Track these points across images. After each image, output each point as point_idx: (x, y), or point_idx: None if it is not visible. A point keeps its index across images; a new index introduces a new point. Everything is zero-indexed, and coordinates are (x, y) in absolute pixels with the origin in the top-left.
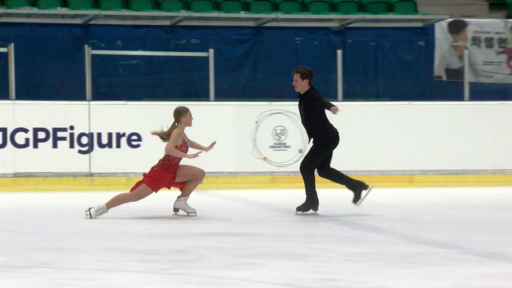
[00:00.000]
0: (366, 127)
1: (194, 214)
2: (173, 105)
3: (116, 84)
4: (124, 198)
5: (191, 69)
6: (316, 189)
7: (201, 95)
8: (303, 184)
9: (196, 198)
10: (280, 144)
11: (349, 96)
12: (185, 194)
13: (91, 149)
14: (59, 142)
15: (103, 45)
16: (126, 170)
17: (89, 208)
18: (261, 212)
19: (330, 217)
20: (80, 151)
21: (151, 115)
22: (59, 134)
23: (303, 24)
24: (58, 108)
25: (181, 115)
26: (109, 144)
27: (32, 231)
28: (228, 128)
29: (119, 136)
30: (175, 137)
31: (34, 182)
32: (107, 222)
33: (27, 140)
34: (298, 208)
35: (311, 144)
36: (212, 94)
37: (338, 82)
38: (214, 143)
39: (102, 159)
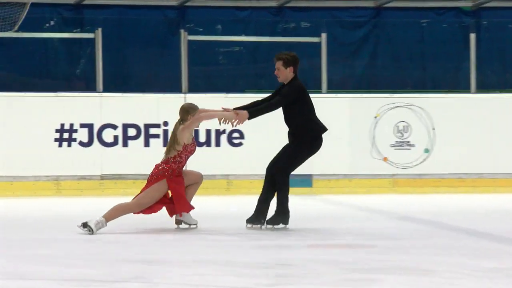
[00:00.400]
0: (503, 123)
1: (195, 226)
2: None
3: (215, 74)
4: (124, 209)
5: (301, 56)
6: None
7: (311, 86)
8: (428, 189)
9: (306, 203)
10: (403, 142)
11: (483, 87)
12: None
13: None
14: (152, 140)
15: (201, 29)
16: (226, 172)
17: (85, 222)
18: (379, 220)
19: (451, 226)
20: None
21: None
22: (152, 131)
23: (430, 4)
24: (150, 102)
25: (188, 114)
26: (207, 143)
27: (120, 241)
28: (343, 124)
29: (218, 133)
30: (188, 124)
31: (123, 185)
32: (195, 232)
33: (115, 137)
34: (267, 222)
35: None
36: (324, 85)
37: (471, 71)
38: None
39: (200, 160)
